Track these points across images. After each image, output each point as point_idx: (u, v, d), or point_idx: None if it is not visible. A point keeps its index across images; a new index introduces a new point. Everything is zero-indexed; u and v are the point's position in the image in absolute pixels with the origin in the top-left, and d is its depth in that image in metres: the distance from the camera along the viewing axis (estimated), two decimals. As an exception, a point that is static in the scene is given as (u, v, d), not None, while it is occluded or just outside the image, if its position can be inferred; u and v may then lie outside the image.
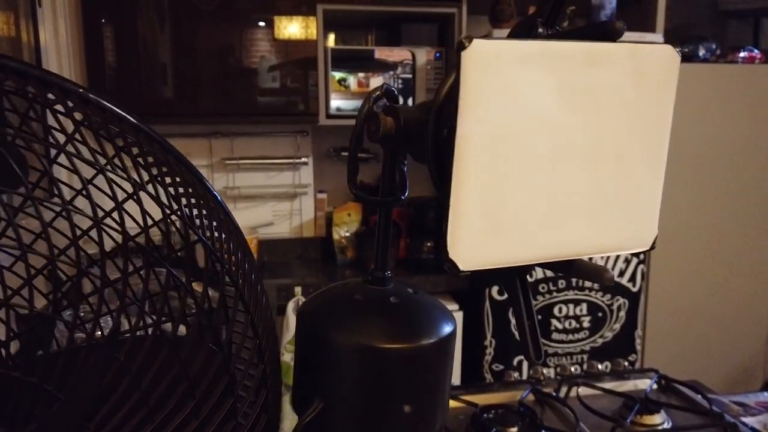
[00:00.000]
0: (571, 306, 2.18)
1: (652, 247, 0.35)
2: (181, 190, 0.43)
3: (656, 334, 2.35)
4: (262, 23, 2.10)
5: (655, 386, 1.25)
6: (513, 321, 2.15)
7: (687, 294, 2.36)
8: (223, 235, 0.50)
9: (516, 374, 2.16)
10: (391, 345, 0.38)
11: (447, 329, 0.41)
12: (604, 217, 0.33)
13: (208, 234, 0.48)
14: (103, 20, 2.01)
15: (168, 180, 0.47)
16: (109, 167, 0.43)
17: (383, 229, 0.44)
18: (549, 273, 2.16)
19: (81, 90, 0.39)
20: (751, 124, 2.37)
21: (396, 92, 0.40)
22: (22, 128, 0.39)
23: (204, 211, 0.49)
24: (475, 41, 0.28)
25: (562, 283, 2.17)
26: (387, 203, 0.42)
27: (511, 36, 0.38)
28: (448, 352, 0.41)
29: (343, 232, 2.39)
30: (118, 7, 2.01)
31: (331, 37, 2.38)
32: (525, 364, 2.19)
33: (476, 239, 0.30)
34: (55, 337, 0.52)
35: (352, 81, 2.19)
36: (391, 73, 2.22)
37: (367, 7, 2.15)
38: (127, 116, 0.42)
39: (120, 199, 0.38)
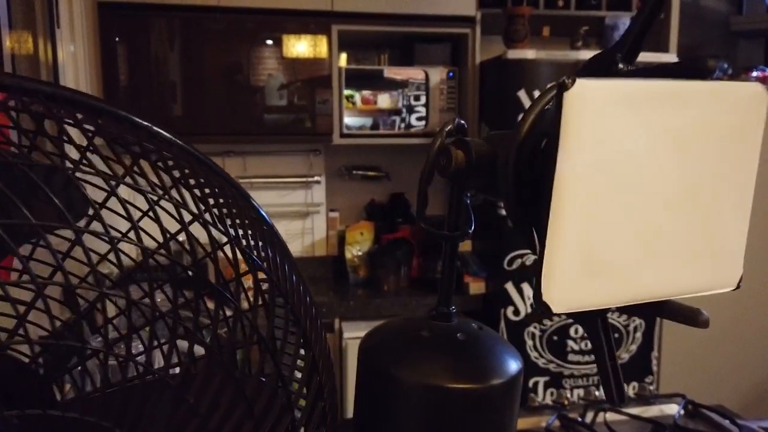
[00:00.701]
0: (586, 326, 2.16)
1: (738, 287, 0.34)
2: (228, 214, 0.42)
3: (673, 356, 2.33)
4: (270, 41, 2.10)
5: (682, 412, 1.22)
6: (529, 342, 2.13)
7: (703, 314, 2.33)
8: (278, 259, 0.50)
9: (532, 395, 2.13)
10: (461, 385, 0.37)
11: (515, 367, 0.40)
12: (694, 257, 0.32)
13: (265, 265, 0.47)
14: (118, 39, 2.02)
15: (225, 211, 0.46)
16: (166, 197, 0.42)
17: (448, 265, 0.43)
18: (564, 293, 2.14)
19: (148, 125, 0.38)
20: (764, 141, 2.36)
21: (465, 125, 0.39)
22: (81, 162, 0.39)
23: (261, 244, 0.48)
24: (578, 82, 0.27)
25: (577, 304, 2.15)
26: (454, 238, 0.41)
27: (588, 69, 0.37)
28: (516, 392, 0.40)
29: (355, 251, 2.38)
30: (132, 26, 2.02)
31: (343, 56, 2.39)
32: (541, 385, 2.16)
33: (571, 281, 0.29)
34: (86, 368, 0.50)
35: (358, 98, 2.19)
36: (401, 90, 2.23)
37: (381, 28, 2.16)
38: (191, 149, 0.41)
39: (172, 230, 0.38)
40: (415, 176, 2.13)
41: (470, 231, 0.41)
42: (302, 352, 0.41)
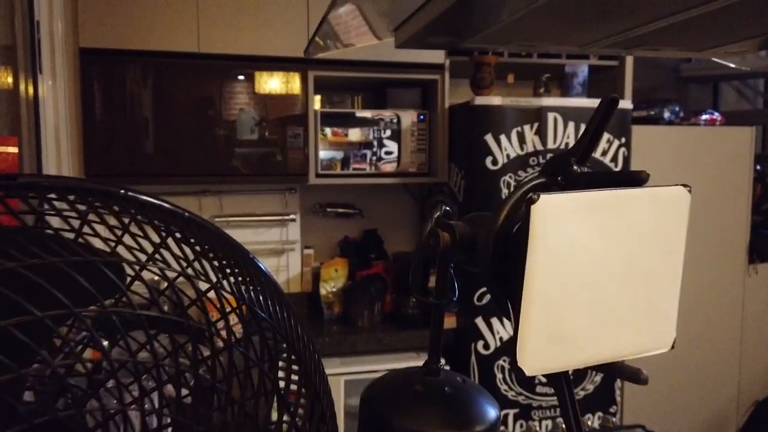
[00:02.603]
0: (553, 359, 2.25)
1: (672, 347, 0.43)
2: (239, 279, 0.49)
3: (636, 386, 2.42)
4: (246, 83, 2.18)
5: (643, 442, 1.31)
6: (499, 376, 2.21)
7: (662, 345, 2.45)
8: (292, 321, 0.56)
9: (503, 428, 2.20)
10: (450, 432, 0.44)
11: (494, 415, 0.47)
12: (636, 325, 0.40)
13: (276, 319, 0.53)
14: (95, 77, 2.07)
15: (241, 280, 0.53)
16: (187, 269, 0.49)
17: (437, 328, 0.50)
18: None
19: (189, 214, 0.45)
20: (715, 182, 2.53)
21: (450, 211, 0.47)
22: (154, 255, 0.45)
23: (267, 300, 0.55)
24: (542, 198, 0.35)
25: (544, 337, 2.24)
26: (442, 305, 0.48)
27: (547, 169, 0.45)
28: (495, 435, 0.47)
29: (330, 287, 2.44)
30: (110, 63, 2.08)
31: (317, 98, 2.48)
32: (511, 418, 2.23)
33: (539, 350, 0.37)
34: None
35: (328, 131, 2.27)
36: (374, 128, 2.32)
37: (355, 74, 2.26)
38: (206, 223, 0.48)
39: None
40: (387, 213, 2.22)
41: (455, 299, 0.49)
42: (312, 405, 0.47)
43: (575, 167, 0.43)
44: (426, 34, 1.07)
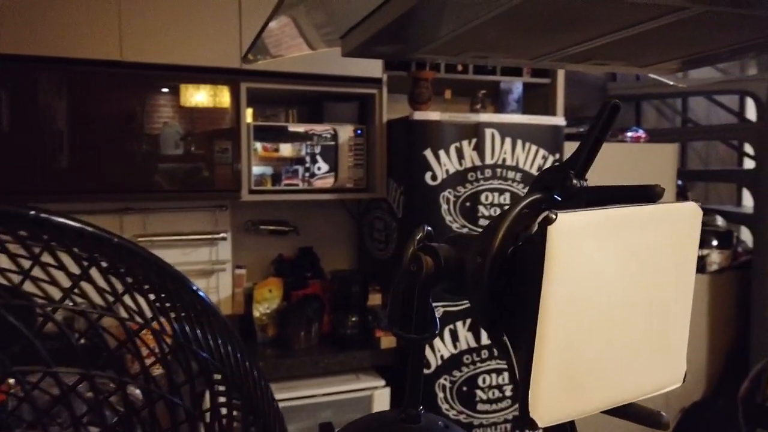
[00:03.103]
0: (494, 375, 2.23)
1: (683, 381, 0.38)
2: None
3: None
4: (172, 95, 2.06)
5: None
6: (440, 395, 2.16)
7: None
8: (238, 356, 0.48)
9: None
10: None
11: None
12: (651, 360, 0.36)
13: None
14: (3, 85, 1.88)
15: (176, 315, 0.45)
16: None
17: (416, 366, 0.44)
18: (472, 343, 2.21)
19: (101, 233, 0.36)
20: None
21: (433, 232, 0.41)
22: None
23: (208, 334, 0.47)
24: (560, 217, 0.30)
25: (485, 353, 2.22)
26: (423, 340, 0.42)
27: (541, 182, 0.40)
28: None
29: (263, 308, 2.32)
30: (21, 70, 1.90)
31: (249, 111, 2.37)
32: (453, 438, 2.19)
33: (554, 397, 0.31)
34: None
35: (259, 146, 2.18)
36: (308, 143, 2.24)
37: (290, 87, 2.18)
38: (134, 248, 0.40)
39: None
40: (323, 230, 2.14)
41: (437, 332, 0.42)
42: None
43: (574, 181, 0.38)
44: (375, 43, 1.01)
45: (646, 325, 0.35)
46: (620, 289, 0.33)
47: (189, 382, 0.40)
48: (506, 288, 0.36)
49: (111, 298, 0.40)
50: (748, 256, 3.02)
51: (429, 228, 0.41)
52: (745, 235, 3.27)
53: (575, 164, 0.39)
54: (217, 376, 0.45)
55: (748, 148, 3.32)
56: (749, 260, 2.90)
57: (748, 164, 3.41)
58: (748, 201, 3.26)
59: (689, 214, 0.36)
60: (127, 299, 0.42)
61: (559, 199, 0.39)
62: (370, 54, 1.07)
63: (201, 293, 0.45)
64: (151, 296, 0.45)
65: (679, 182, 2.85)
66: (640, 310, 0.35)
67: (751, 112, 3.41)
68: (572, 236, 0.30)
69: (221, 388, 0.44)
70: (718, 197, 3.64)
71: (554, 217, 0.30)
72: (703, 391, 2.84)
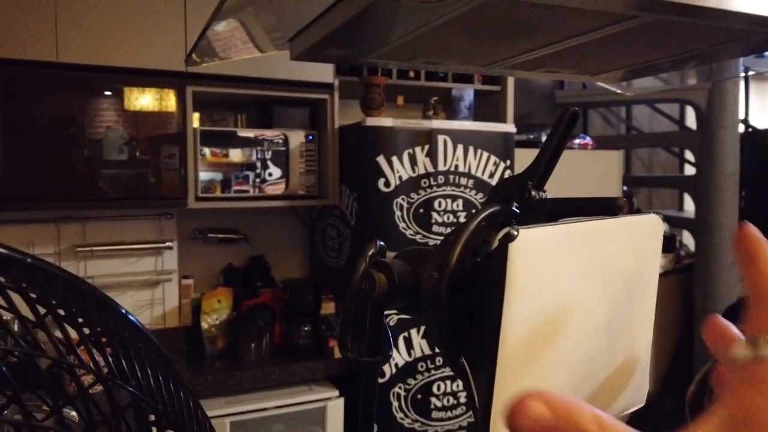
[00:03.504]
0: (448, 382, 2.22)
1: (645, 401, 0.37)
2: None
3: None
4: (113, 95, 1.97)
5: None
6: (395, 403, 2.14)
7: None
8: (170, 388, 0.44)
9: (400, 459, 2.13)
10: None
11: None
12: (617, 380, 0.34)
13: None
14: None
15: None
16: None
17: (370, 393, 0.41)
18: (426, 350, 2.19)
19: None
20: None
21: (385, 246, 0.38)
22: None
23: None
24: (521, 234, 0.28)
25: (439, 360, 2.21)
26: (376, 363, 0.39)
27: (498, 194, 0.38)
28: None
29: (212, 320, 2.24)
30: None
31: (196, 116, 2.30)
32: (408, 447, 2.17)
33: None
34: None
35: (207, 152, 2.11)
36: (258, 148, 2.19)
37: (238, 91, 2.12)
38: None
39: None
40: (274, 238, 2.08)
41: (390, 354, 0.40)
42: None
43: (533, 192, 0.36)
44: (324, 46, 0.98)
45: (609, 344, 0.33)
46: (583, 307, 0.31)
47: (114, 418, 0.36)
48: (463, 307, 0.34)
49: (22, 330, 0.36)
50: (690, 259, 3.12)
51: (382, 243, 0.38)
52: (687, 239, 3.39)
53: (534, 175, 0.37)
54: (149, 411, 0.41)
55: (689, 155, 3.45)
56: (691, 263, 3.01)
57: (689, 170, 3.54)
58: (689, 206, 3.38)
59: (652, 226, 0.35)
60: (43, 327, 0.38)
61: (518, 211, 0.37)
62: (320, 58, 1.04)
63: (131, 317, 0.41)
64: (74, 324, 0.41)
65: (625, 188, 2.92)
66: (605, 327, 0.33)
67: (690, 120, 3.54)
68: (534, 253, 0.28)
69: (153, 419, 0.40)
70: (661, 203, 3.76)
71: (515, 233, 0.28)
72: (649, 393, 2.92)
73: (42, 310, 0.36)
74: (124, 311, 0.43)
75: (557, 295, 0.30)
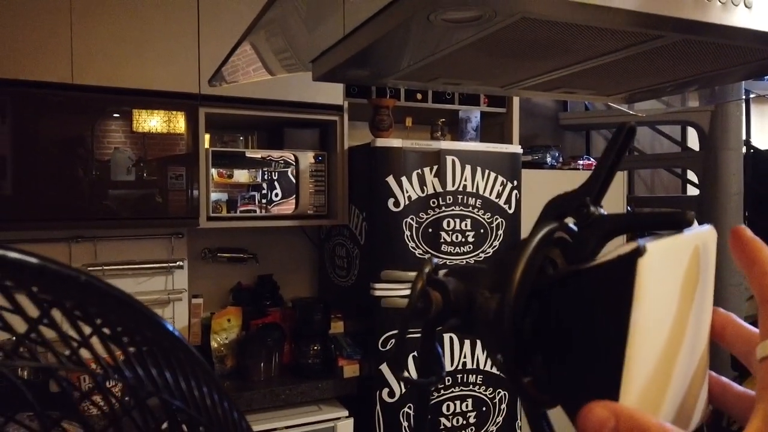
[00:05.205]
0: (458, 402, 2.22)
1: (704, 417, 0.37)
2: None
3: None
4: (126, 116, 1.99)
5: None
6: (405, 423, 2.13)
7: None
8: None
9: (410, 480, 2.11)
10: None
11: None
12: (699, 395, 0.35)
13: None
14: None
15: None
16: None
17: (422, 411, 0.42)
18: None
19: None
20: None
21: (440, 265, 0.39)
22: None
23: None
24: (649, 250, 0.28)
25: (449, 380, 2.20)
26: (431, 384, 0.40)
27: (554, 212, 0.39)
28: None
29: (222, 339, 2.24)
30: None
31: (207, 137, 2.33)
32: (418, 468, 2.15)
33: None
34: None
35: (214, 172, 2.13)
36: (265, 169, 2.21)
37: (249, 113, 2.15)
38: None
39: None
40: (283, 257, 2.08)
41: (443, 374, 0.41)
42: None
43: (591, 208, 0.38)
44: (348, 67, 1.00)
45: (693, 358, 0.34)
46: (680, 320, 0.32)
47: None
48: (538, 329, 0.35)
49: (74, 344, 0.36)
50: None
51: (436, 260, 0.40)
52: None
53: (591, 190, 0.38)
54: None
55: (691, 176, 3.48)
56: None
57: (692, 191, 3.56)
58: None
59: (713, 238, 0.36)
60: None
61: (576, 228, 0.38)
62: (342, 78, 1.07)
63: (179, 335, 0.42)
64: (125, 341, 0.41)
65: (628, 208, 2.94)
66: (693, 340, 0.34)
67: (692, 141, 3.58)
68: (659, 270, 0.29)
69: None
70: (664, 222, 3.77)
71: (643, 249, 0.28)
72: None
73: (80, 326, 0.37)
74: (171, 328, 0.44)
75: (664, 308, 0.31)
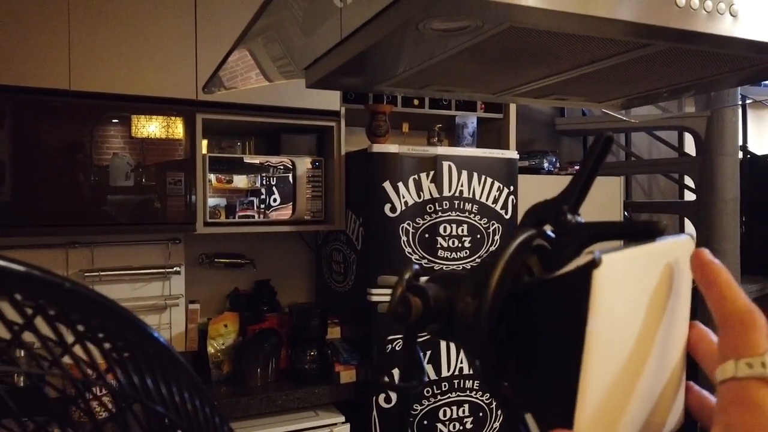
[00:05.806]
0: (455, 408, 2.22)
1: (677, 425, 0.38)
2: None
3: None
4: (123, 122, 2.00)
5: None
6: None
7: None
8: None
9: (406, 486, 2.11)
10: None
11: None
12: (667, 402, 0.35)
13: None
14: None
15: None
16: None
17: (404, 416, 0.42)
18: (432, 376, 2.19)
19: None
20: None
21: (422, 270, 0.40)
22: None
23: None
24: (605, 260, 0.29)
25: (445, 385, 2.20)
26: (411, 388, 0.40)
27: (532, 219, 0.40)
28: None
29: (218, 344, 2.25)
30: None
31: (204, 143, 2.33)
32: (414, 474, 2.15)
33: None
34: None
35: (212, 178, 2.14)
36: (263, 174, 2.21)
37: (246, 118, 2.16)
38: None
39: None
40: (280, 262, 2.09)
41: (425, 379, 0.41)
42: None
43: (569, 216, 0.38)
44: (340, 74, 1.01)
45: (662, 369, 0.35)
46: (647, 328, 0.33)
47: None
48: (509, 332, 0.35)
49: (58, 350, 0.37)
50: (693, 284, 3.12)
51: (417, 266, 0.40)
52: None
53: (569, 199, 0.39)
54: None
55: (688, 181, 3.48)
56: (695, 288, 3.01)
57: (689, 196, 3.57)
58: (689, 231, 3.40)
59: (687, 245, 0.36)
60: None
61: (553, 235, 0.39)
62: (335, 85, 1.07)
63: (164, 342, 0.42)
64: (107, 345, 0.42)
65: (626, 213, 2.95)
66: (661, 352, 0.34)
67: (689, 147, 3.59)
68: (615, 281, 0.29)
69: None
70: (661, 227, 3.78)
71: (599, 260, 0.28)
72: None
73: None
74: (155, 335, 0.44)
75: (626, 321, 0.31)
